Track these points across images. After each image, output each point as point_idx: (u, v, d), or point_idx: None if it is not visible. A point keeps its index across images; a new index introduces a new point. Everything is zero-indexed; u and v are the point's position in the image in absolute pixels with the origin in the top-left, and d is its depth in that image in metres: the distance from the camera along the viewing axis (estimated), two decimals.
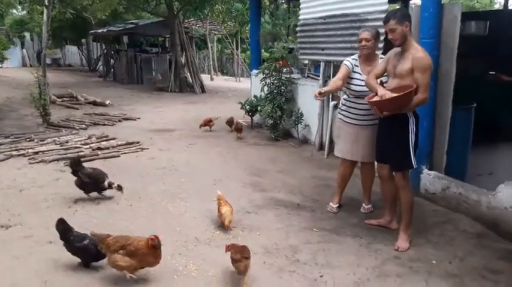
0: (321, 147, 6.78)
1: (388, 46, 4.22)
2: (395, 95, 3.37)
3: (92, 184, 4.48)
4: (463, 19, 4.42)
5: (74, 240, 3.17)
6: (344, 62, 4.18)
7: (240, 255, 2.99)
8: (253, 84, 9.20)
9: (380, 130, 3.82)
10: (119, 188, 4.50)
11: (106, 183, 4.48)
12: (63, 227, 3.24)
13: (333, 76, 6.50)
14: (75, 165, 4.53)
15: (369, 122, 4.08)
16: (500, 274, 3.22)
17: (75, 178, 4.51)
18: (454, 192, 4.33)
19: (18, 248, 3.45)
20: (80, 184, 4.48)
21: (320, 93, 4.04)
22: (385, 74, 3.74)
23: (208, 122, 8.25)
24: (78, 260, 3.22)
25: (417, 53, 3.39)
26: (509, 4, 8.09)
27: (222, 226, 3.86)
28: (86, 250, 3.13)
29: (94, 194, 4.57)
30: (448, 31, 4.40)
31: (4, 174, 5.33)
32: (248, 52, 24.69)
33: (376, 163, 4.10)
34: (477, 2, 23.64)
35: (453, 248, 3.62)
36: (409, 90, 3.31)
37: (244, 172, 5.72)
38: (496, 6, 23.26)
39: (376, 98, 3.51)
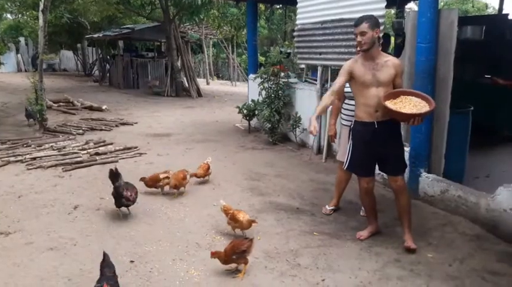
0: (319, 151, 6.80)
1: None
2: (426, 110, 3.34)
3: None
4: (459, 24, 4.46)
5: None
6: None
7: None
8: (250, 89, 9.22)
9: (375, 142, 3.59)
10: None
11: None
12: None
13: (331, 80, 6.57)
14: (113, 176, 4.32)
15: None
16: (501, 275, 3.25)
17: (73, 184, 4.47)
18: (453, 195, 4.36)
19: (19, 255, 3.43)
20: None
21: (333, 136, 4.58)
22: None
23: (207, 170, 5.38)
24: (79, 267, 3.21)
25: (394, 59, 3.57)
26: (503, 9, 8.19)
27: (244, 228, 3.75)
28: None
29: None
30: (445, 36, 4.45)
31: (2, 180, 5.30)
32: (244, 56, 24.81)
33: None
34: (472, 6, 23.89)
35: (453, 251, 3.64)
36: (432, 108, 3.37)
37: (243, 176, 5.72)
38: (489, 11, 23.53)
39: (391, 106, 3.39)
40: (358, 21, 3.49)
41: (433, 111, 3.51)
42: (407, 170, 3.91)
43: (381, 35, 5.14)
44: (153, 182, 4.85)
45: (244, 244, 3.19)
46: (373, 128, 3.57)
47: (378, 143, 3.60)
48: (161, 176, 4.87)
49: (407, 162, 4.02)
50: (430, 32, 4.46)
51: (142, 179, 4.87)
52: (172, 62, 15.50)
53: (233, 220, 3.76)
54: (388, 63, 3.50)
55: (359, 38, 3.46)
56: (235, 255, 3.16)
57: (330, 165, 6.19)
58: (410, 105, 3.39)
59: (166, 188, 4.90)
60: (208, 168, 5.33)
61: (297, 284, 3.12)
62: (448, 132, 4.59)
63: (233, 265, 3.25)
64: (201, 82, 18.31)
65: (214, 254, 3.19)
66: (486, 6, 25.14)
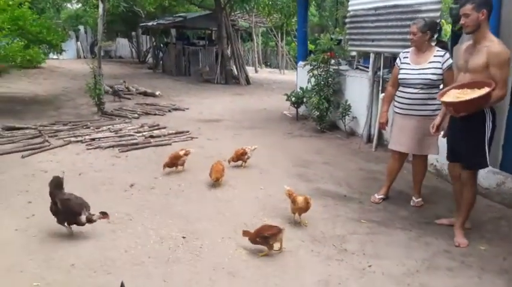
0: (369, 140, 6.70)
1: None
2: (474, 96, 3.11)
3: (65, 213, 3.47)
4: None
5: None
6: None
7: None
8: (299, 76, 9.20)
9: (452, 127, 3.55)
10: (103, 215, 3.50)
11: (83, 217, 3.42)
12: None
13: (384, 68, 6.43)
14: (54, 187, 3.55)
15: (414, 112, 4.05)
16: None
17: (129, 164, 4.63)
18: (510, 187, 4.19)
19: (80, 227, 3.64)
20: (53, 211, 3.50)
21: (384, 123, 4.41)
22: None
23: (241, 155, 5.44)
24: (134, 240, 3.41)
25: (493, 46, 3.17)
26: None
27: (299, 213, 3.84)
28: None
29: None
30: (507, 20, 4.23)
31: (64, 159, 5.67)
32: (293, 44, 24.63)
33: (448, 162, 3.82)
34: None
35: (507, 245, 3.51)
36: (488, 91, 3.08)
37: (290, 162, 5.77)
38: None
39: (448, 97, 3.25)
40: (463, 2, 3.28)
41: (486, 97, 3.12)
42: None
43: (438, 21, 5.03)
44: (173, 161, 5.09)
45: (269, 231, 3.26)
46: (452, 116, 3.49)
47: (453, 131, 3.57)
48: (180, 153, 5.15)
49: None
50: (492, 18, 4.24)
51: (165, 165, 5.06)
52: (223, 50, 15.71)
53: (293, 202, 3.81)
54: (483, 49, 3.20)
55: (462, 20, 3.28)
56: (259, 238, 3.26)
57: (381, 154, 6.09)
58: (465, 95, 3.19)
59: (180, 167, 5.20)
60: (244, 153, 5.39)
61: (343, 269, 3.15)
62: (506, 123, 4.38)
63: (262, 247, 3.32)
64: (249, 70, 18.43)
65: (244, 233, 3.35)
66: None
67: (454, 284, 2.98)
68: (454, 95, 3.25)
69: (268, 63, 27.64)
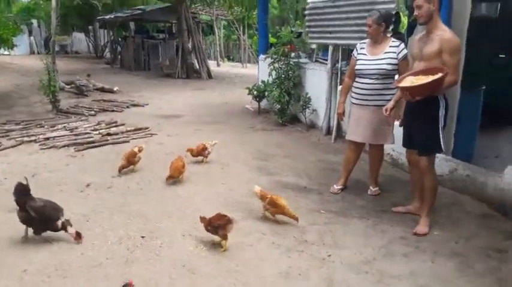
0: (329, 132, 6.80)
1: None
2: (428, 80, 3.26)
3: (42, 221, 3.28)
4: (473, 1, 4.38)
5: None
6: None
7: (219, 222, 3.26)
8: (260, 70, 9.20)
9: (408, 114, 3.70)
10: (77, 236, 3.32)
11: (60, 222, 3.29)
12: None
13: (342, 60, 6.52)
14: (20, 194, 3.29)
15: (370, 103, 4.15)
16: (505, 253, 3.27)
17: (85, 163, 4.50)
18: (461, 174, 4.36)
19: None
20: (26, 220, 3.27)
21: (341, 114, 4.49)
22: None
23: (202, 151, 5.36)
24: (91, 242, 3.32)
25: (445, 34, 3.36)
26: None
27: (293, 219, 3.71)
28: None
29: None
30: (458, 13, 4.38)
31: (16, 160, 5.43)
32: (255, 38, 24.55)
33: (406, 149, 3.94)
34: None
35: (459, 229, 3.66)
36: (441, 75, 3.22)
37: (251, 156, 5.77)
38: None
39: (405, 83, 3.40)
40: None
41: (439, 81, 3.26)
42: None
43: (393, 12, 5.14)
44: (129, 160, 4.92)
45: (219, 221, 3.28)
46: (408, 103, 3.66)
47: (408, 118, 3.72)
48: (135, 150, 5.01)
49: None
50: (443, 11, 4.38)
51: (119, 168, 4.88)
52: (183, 44, 15.47)
53: (272, 205, 3.72)
54: (436, 38, 3.38)
55: (416, 11, 3.43)
56: (210, 227, 3.29)
57: (339, 145, 6.20)
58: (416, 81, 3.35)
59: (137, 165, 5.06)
60: (204, 148, 5.32)
61: (303, 260, 3.19)
62: (458, 112, 4.55)
63: (215, 237, 3.35)
64: (211, 64, 18.28)
65: (201, 220, 3.37)
66: None
67: (409, 269, 3.08)
68: (410, 81, 3.39)
69: (231, 57, 27.50)
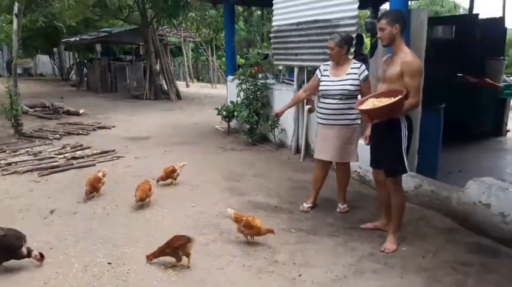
0: (298, 150, 6.87)
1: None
2: (385, 103, 3.29)
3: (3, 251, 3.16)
4: (430, 24, 4.60)
5: None
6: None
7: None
8: (229, 90, 9.25)
9: (374, 135, 3.77)
10: (41, 257, 3.25)
11: (24, 249, 3.19)
12: None
13: (307, 81, 6.65)
14: None
15: (335, 122, 4.24)
16: (470, 266, 3.35)
17: (50, 188, 4.40)
18: (426, 189, 4.48)
19: None
20: None
21: (277, 115, 4.74)
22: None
23: (170, 173, 5.30)
24: (55, 270, 3.19)
25: (406, 56, 3.41)
26: (473, 9, 8.42)
27: (261, 234, 3.69)
28: None
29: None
30: (415, 35, 4.57)
31: None
32: (223, 59, 24.71)
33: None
34: (441, 7, 24.42)
35: (426, 244, 3.74)
36: (399, 98, 3.24)
37: (222, 177, 5.75)
38: (461, 11, 24.11)
39: (366, 105, 3.43)
40: (379, 17, 3.55)
41: (397, 103, 3.28)
42: None
43: (354, 35, 5.33)
44: (94, 185, 4.78)
45: (178, 241, 3.27)
46: (372, 124, 3.73)
47: (373, 138, 3.80)
48: (99, 175, 4.90)
49: None
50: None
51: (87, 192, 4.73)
52: (151, 65, 15.41)
53: (248, 227, 3.66)
54: (398, 60, 3.43)
55: (379, 34, 3.51)
56: (169, 249, 3.26)
57: (308, 164, 6.27)
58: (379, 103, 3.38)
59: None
60: (173, 171, 5.26)
61: (274, 280, 3.17)
62: (421, 130, 4.70)
63: (172, 260, 3.31)
64: (180, 85, 18.25)
65: (148, 257, 3.32)
66: (455, 6, 25.73)
67: (378, 286, 3.11)
68: (371, 104, 3.42)
69: (200, 78, 27.55)
